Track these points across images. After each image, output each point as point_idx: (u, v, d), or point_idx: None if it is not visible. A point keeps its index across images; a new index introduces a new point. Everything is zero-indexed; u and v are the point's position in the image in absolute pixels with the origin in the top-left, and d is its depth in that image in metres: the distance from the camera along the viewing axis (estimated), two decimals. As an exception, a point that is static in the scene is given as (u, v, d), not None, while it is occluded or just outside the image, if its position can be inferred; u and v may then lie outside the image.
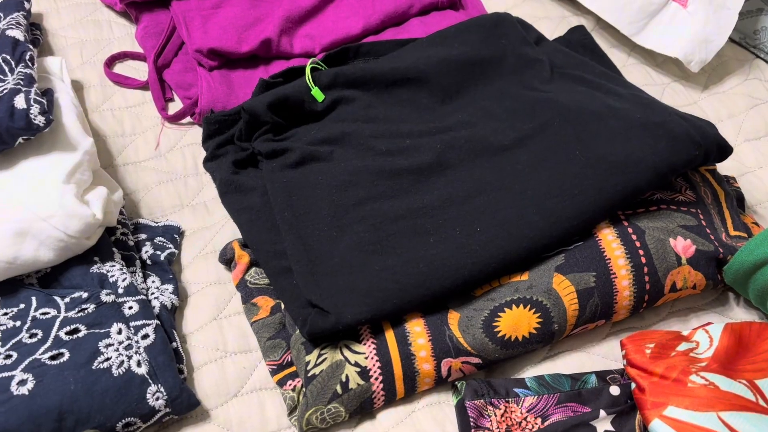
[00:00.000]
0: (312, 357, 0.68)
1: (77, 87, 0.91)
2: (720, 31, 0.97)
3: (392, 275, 0.70)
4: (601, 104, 0.80)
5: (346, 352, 0.68)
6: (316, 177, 0.78)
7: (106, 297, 0.67)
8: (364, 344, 0.69)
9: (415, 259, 0.71)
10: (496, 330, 0.70)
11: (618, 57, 1.03)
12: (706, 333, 0.72)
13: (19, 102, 0.70)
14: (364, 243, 0.73)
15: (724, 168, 0.92)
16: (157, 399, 0.63)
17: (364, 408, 0.68)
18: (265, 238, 0.75)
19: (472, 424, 0.68)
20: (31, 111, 0.70)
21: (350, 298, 0.68)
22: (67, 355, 0.63)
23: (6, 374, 0.62)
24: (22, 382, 0.61)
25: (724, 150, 0.79)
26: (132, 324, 0.66)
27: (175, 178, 0.86)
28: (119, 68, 0.95)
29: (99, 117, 0.90)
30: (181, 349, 0.69)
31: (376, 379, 0.67)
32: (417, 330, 0.70)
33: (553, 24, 1.06)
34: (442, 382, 0.71)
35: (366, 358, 0.68)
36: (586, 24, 1.06)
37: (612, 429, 0.67)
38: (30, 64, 0.77)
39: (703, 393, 0.65)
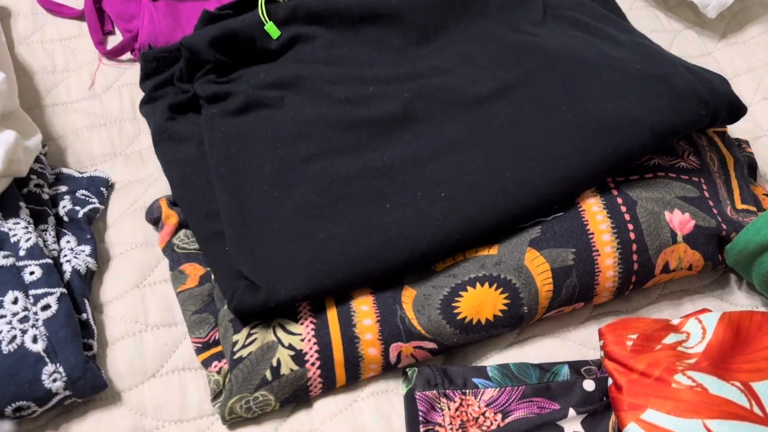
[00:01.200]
0: (240, 336, 0.59)
1: (3, 14, 0.80)
2: (743, -30, 0.85)
3: (339, 245, 0.61)
4: (596, 52, 0.69)
5: (280, 333, 0.59)
6: (261, 127, 0.68)
7: (2, 260, 0.59)
8: (302, 324, 0.60)
9: (367, 227, 0.62)
10: (455, 311, 0.61)
11: (624, -1, 0.91)
12: (698, 323, 0.62)
13: None
14: (309, 206, 0.63)
15: (736, 130, 0.81)
16: (55, 380, 0.55)
17: (298, 397, 0.59)
18: (198, 196, 0.65)
19: (421, 418, 0.59)
20: None
21: (287, 271, 0.59)
22: (-50, 328, 0.55)
23: None
24: None
25: (736, 110, 0.68)
26: (31, 292, 0.58)
27: (110, 123, 0.76)
28: (55, -6, 0.84)
29: (27, 50, 0.79)
30: (93, 321, 0.61)
31: (313, 364, 0.59)
32: (364, 309, 0.60)
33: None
34: (391, 368, 0.62)
35: (302, 340, 0.59)
36: (590, -41, 0.93)
37: (581, 430, 0.59)
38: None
39: (689, 396, 0.55)
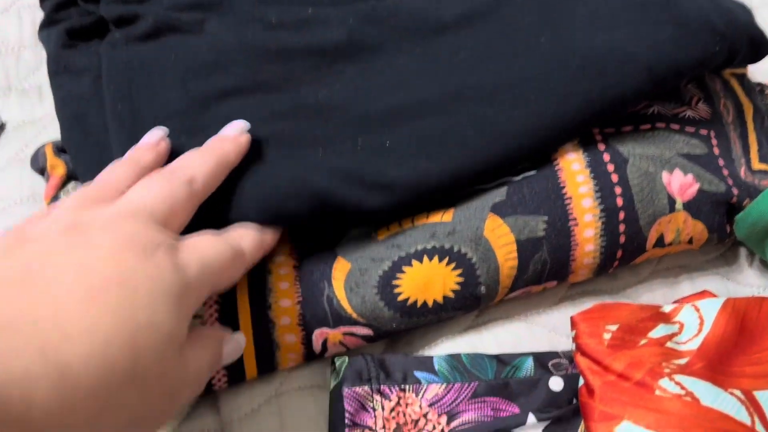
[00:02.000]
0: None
1: None
2: None
3: (256, 201, 0.49)
4: None
5: None
6: (170, 54, 0.55)
7: None
8: (204, 304, 0.49)
9: (292, 179, 0.50)
10: (396, 291, 0.50)
11: None
12: (695, 311, 0.51)
13: None
14: None
15: (758, 72, 0.67)
16: None
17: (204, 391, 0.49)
18: (89, 141, 0.54)
19: (347, 420, 0.49)
20: None
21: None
22: None
23: None
24: None
25: (759, 47, 0.55)
26: None
27: (6, 51, 0.64)
28: None
29: None
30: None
31: (215, 354, 0.48)
32: (282, 287, 0.49)
33: None
34: (315, 357, 0.51)
35: (204, 323, 0.48)
36: None
37: (543, 441, 0.48)
38: None
39: (676, 408, 0.44)
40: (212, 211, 0.48)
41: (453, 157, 0.51)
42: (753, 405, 0.46)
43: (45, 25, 0.61)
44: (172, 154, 0.50)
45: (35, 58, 0.64)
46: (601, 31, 0.52)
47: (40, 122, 0.60)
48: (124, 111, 0.53)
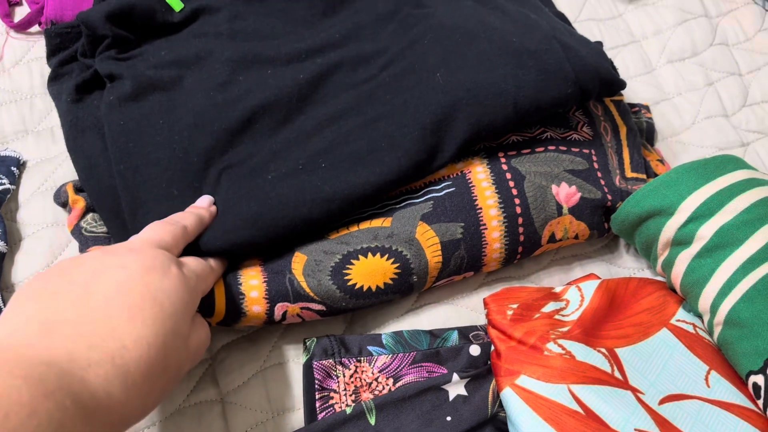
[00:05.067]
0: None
1: None
2: (651, -67, 0.86)
3: (223, 225, 0.63)
4: (479, 23, 0.70)
5: None
6: (158, 119, 0.68)
7: None
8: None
9: (246, 198, 0.64)
10: (346, 278, 0.64)
11: (539, -41, 0.91)
12: (578, 291, 0.67)
13: None
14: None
15: (639, 94, 0.84)
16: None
17: None
18: (104, 188, 0.67)
19: (317, 385, 0.64)
20: None
21: None
22: None
23: None
24: None
25: (611, 86, 0.70)
26: (-63, 280, 0.60)
27: (20, 99, 0.77)
28: (-40, -37, 0.83)
29: (-68, 24, 0.79)
30: (3, 302, 0.64)
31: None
32: (251, 273, 0.63)
33: None
34: (275, 324, 0.65)
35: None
36: None
37: (465, 394, 0.64)
38: None
39: (557, 363, 0.60)
40: (193, 245, 0.62)
41: (372, 171, 0.65)
42: (613, 358, 0.62)
43: (53, 79, 0.74)
44: (164, 208, 0.63)
45: (45, 105, 0.77)
46: (483, 71, 0.67)
47: (56, 160, 0.73)
48: (126, 170, 0.66)
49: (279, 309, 0.64)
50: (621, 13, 0.90)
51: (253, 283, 0.63)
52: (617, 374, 0.61)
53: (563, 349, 0.61)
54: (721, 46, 0.88)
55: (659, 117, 0.83)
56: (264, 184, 0.64)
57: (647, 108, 0.82)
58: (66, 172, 0.72)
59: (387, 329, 0.69)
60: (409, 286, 0.67)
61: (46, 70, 0.78)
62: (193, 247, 0.62)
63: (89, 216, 0.68)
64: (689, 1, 0.91)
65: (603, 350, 0.62)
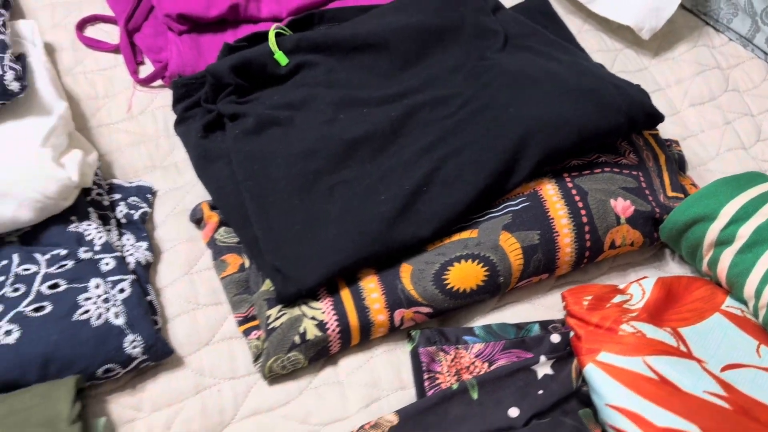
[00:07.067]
0: (273, 312, 0.73)
1: (49, 50, 0.93)
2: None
3: (347, 239, 0.75)
4: (540, 69, 0.85)
5: (304, 308, 0.73)
6: (276, 146, 0.82)
7: (83, 254, 0.72)
8: (321, 301, 0.74)
9: (368, 218, 0.76)
10: (445, 282, 0.76)
11: (574, 23, 1.07)
12: (639, 286, 0.79)
13: (-6, 68, 0.74)
14: (321, 209, 0.77)
15: (668, 132, 0.98)
16: (134, 347, 0.68)
17: (321, 355, 0.74)
18: (233, 206, 0.79)
19: (424, 368, 0.74)
20: (6, 77, 0.73)
21: (309, 263, 0.74)
22: (49, 308, 0.68)
23: (-8, 325, 0.67)
24: (8, 333, 0.66)
25: (653, 118, 0.85)
26: (109, 279, 0.71)
27: (147, 140, 0.90)
28: (90, 31, 0.98)
29: (72, 80, 0.93)
30: (156, 302, 0.75)
31: (333, 330, 0.73)
32: (371, 286, 0.75)
33: (513, -10, 1.10)
34: (395, 330, 0.77)
35: (323, 312, 0.73)
36: (544, -10, 1.10)
37: (551, 372, 0.74)
38: (2, 29, 0.80)
39: (631, 340, 0.72)
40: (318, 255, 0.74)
41: (462, 191, 0.78)
42: (678, 335, 0.73)
43: (179, 122, 0.88)
44: (287, 215, 0.76)
45: (169, 144, 0.90)
46: (550, 106, 0.81)
47: (184, 188, 0.86)
48: (253, 186, 0.78)
49: (398, 315, 0.75)
50: (647, 66, 1.05)
51: (374, 296, 0.75)
52: (682, 348, 0.72)
53: (635, 328, 0.73)
54: (734, 92, 1.04)
55: (687, 150, 0.97)
56: (378, 204, 0.77)
57: (677, 142, 0.96)
58: (194, 197, 0.84)
59: (476, 324, 0.80)
60: (497, 286, 0.78)
61: (168, 116, 0.91)
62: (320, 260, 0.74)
63: (222, 229, 0.80)
64: (704, 55, 1.07)
65: (668, 329, 0.73)
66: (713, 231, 0.78)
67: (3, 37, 0.78)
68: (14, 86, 0.74)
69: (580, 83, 0.83)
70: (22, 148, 0.73)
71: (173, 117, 0.88)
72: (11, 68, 0.74)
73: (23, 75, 0.76)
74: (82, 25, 0.97)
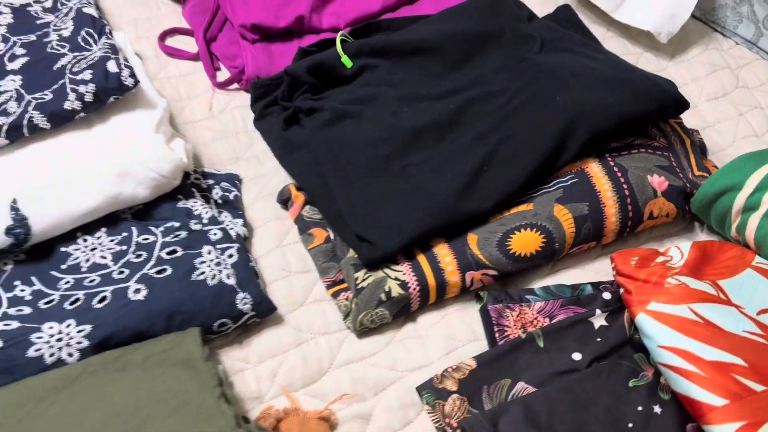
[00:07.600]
0: (360, 274, 0.83)
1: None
2: (684, 7, 1.15)
3: (421, 209, 0.85)
4: (580, 65, 0.97)
5: (387, 271, 0.83)
6: (351, 135, 0.92)
7: (194, 226, 0.82)
8: (401, 265, 0.84)
9: (438, 192, 0.87)
10: (508, 248, 0.86)
11: (598, 31, 1.19)
12: (678, 249, 0.89)
13: (112, 66, 0.84)
14: (396, 186, 0.88)
15: (689, 123, 1.09)
16: (245, 304, 0.78)
17: (403, 311, 0.84)
18: (318, 185, 0.89)
19: (494, 322, 0.84)
20: (122, 74, 0.84)
21: (389, 231, 0.83)
22: (169, 270, 0.78)
23: (123, 285, 0.76)
24: (137, 291, 0.76)
25: (681, 104, 0.96)
26: (219, 246, 0.81)
27: (228, 135, 1.00)
28: (170, 42, 1.09)
29: (157, 84, 1.03)
30: (257, 268, 0.84)
31: (414, 289, 0.83)
32: (443, 252, 0.85)
33: (541, 2, 1.22)
34: (466, 290, 0.86)
35: (404, 274, 0.83)
36: (570, 2, 1.22)
37: (605, 323, 0.84)
38: (110, 36, 0.90)
39: (677, 291, 0.82)
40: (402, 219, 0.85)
41: (519, 169, 0.89)
42: (717, 287, 0.83)
43: (258, 119, 0.98)
44: (366, 191, 0.86)
45: (248, 139, 1.00)
46: (592, 94, 0.92)
47: (266, 176, 0.96)
48: (333, 168, 0.89)
49: (468, 276, 0.85)
50: (665, 68, 1.17)
51: (447, 259, 0.84)
52: (722, 296, 0.82)
53: (679, 281, 0.83)
54: (744, 88, 1.16)
55: (707, 138, 1.08)
56: (445, 181, 0.87)
57: (697, 131, 1.07)
58: (276, 183, 0.95)
59: (534, 286, 0.89)
60: (553, 252, 0.88)
61: (246, 115, 1.02)
62: (400, 220, 0.84)
63: (307, 207, 0.90)
64: (714, 57, 1.19)
65: (707, 282, 0.84)
66: (740, 199, 0.89)
67: (112, 42, 0.89)
68: (129, 82, 0.84)
69: (616, 75, 0.94)
70: (139, 134, 0.83)
71: (250, 115, 0.99)
72: (126, 66, 0.85)
73: (134, 73, 0.86)
74: (163, 37, 1.08)
